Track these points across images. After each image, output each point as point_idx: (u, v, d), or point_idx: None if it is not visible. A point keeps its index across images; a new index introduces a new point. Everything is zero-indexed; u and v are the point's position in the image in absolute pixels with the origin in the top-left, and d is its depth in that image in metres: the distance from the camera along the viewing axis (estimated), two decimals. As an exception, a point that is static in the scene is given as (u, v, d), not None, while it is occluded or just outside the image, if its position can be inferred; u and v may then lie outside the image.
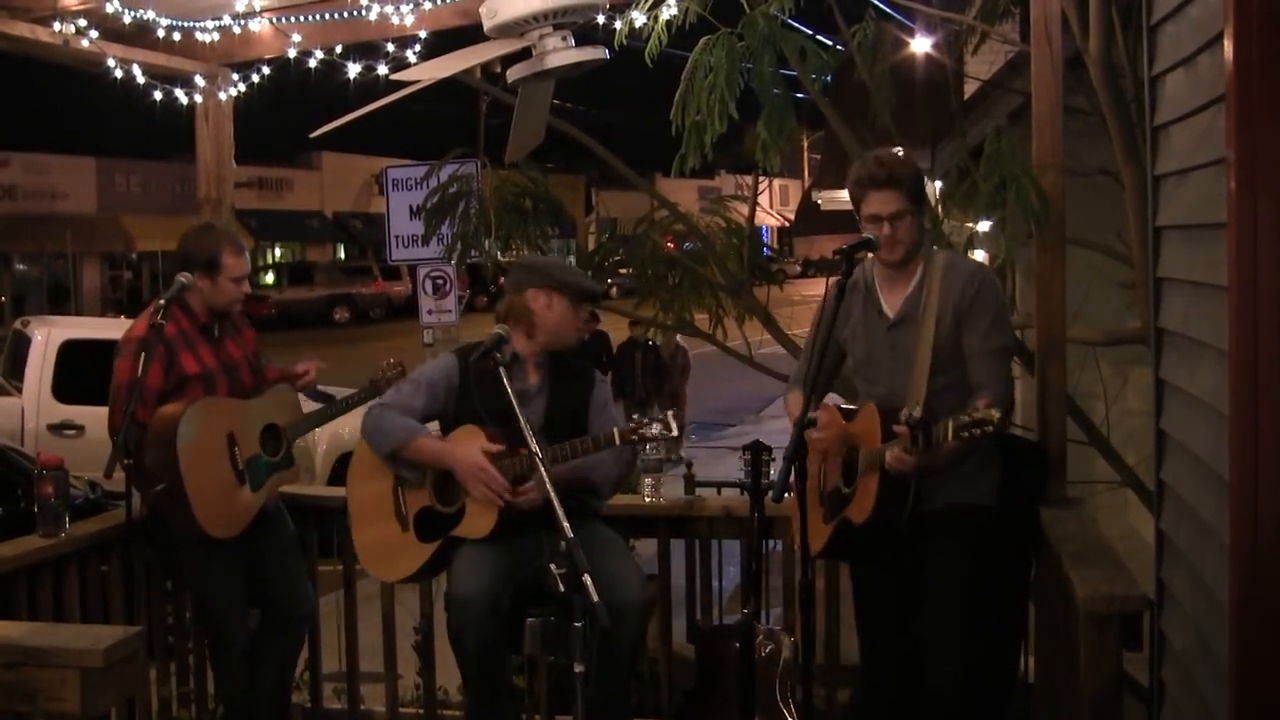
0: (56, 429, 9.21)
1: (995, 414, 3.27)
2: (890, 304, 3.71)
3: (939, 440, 3.34)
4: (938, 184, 6.57)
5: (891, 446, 3.42)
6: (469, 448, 3.86)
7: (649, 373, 13.37)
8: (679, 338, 12.62)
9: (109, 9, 4.70)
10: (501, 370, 3.59)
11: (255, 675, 4.38)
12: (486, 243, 5.48)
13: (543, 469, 3.35)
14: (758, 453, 3.81)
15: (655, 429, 3.80)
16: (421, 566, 4.04)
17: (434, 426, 4.08)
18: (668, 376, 13.77)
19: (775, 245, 52.29)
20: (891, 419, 3.52)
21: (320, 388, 4.81)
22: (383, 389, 4.72)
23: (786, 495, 3.33)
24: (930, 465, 3.45)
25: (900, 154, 3.79)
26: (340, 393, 4.84)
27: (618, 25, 4.42)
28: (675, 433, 3.84)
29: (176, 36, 5.06)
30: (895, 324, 3.68)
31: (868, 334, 3.74)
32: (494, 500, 3.83)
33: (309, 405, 4.69)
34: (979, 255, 7.67)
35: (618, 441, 3.83)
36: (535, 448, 3.41)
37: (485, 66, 4.96)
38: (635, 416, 3.87)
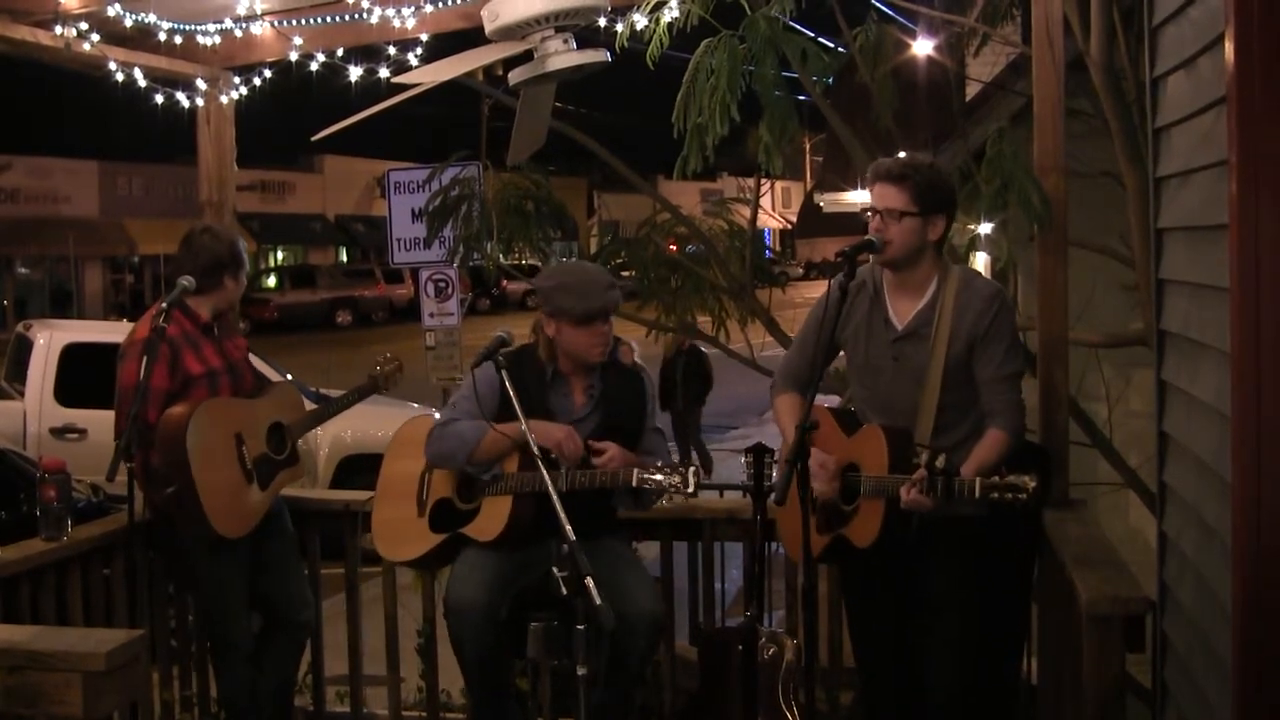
0: (59, 433, 9.22)
1: (1031, 483, 3.21)
2: (899, 314, 3.67)
3: (962, 495, 3.31)
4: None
5: (908, 486, 3.36)
6: (555, 429, 3.86)
7: (690, 380, 13.33)
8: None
9: (110, 12, 4.70)
10: (504, 374, 3.60)
11: (257, 678, 4.38)
12: (489, 245, 5.48)
13: (547, 476, 3.36)
14: (760, 455, 3.80)
15: (675, 480, 3.77)
16: (425, 554, 4.07)
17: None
18: (710, 384, 13.77)
19: (777, 247, 52.32)
20: (899, 446, 3.48)
21: (320, 390, 4.83)
22: (381, 384, 4.76)
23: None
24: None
25: (931, 160, 3.76)
26: (342, 396, 4.85)
27: (619, 28, 4.42)
28: (692, 491, 3.77)
29: (178, 40, 5.06)
30: (902, 337, 3.64)
31: (870, 340, 3.70)
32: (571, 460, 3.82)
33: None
34: (981, 257, 7.67)
35: (634, 483, 3.80)
36: (536, 450, 3.44)
37: (487, 69, 4.97)
38: (659, 464, 3.83)
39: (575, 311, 3.89)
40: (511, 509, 3.89)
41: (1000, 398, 3.57)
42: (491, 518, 3.92)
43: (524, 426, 3.50)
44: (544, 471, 3.38)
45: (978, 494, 3.28)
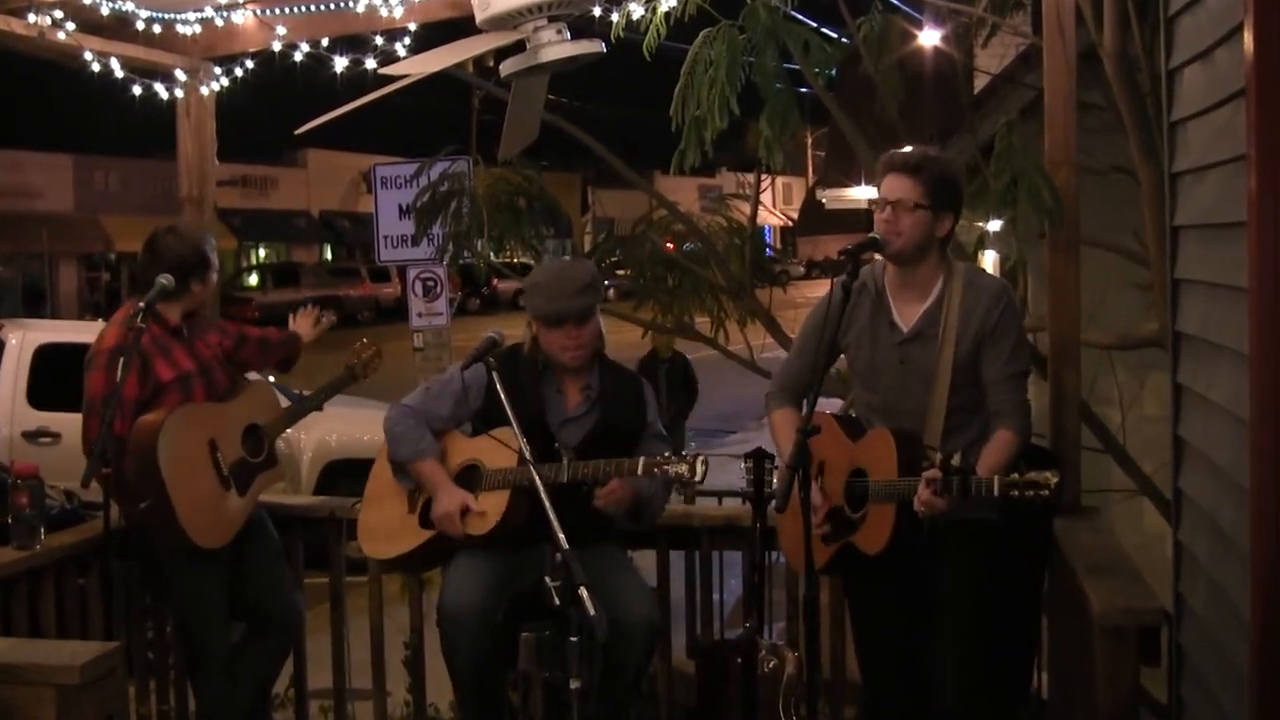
0: (31, 437, 9.19)
1: (1053, 479, 3.20)
2: (904, 316, 3.67)
3: (980, 494, 3.29)
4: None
5: (922, 489, 3.34)
6: (454, 495, 3.93)
7: (675, 391, 12.97)
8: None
9: (86, 0, 4.70)
10: (494, 375, 3.62)
11: (237, 688, 4.37)
12: (479, 243, 5.49)
13: (539, 480, 3.37)
14: (760, 460, 3.80)
15: (682, 469, 3.76)
16: (412, 550, 4.06)
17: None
18: (696, 396, 13.44)
19: (778, 245, 52.33)
20: (908, 449, 3.48)
21: (303, 392, 4.82)
22: (359, 373, 4.76)
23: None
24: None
25: (945, 156, 3.76)
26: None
27: (614, 17, 4.42)
28: (700, 479, 3.77)
29: (157, 29, 5.05)
30: (909, 339, 3.64)
31: (874, 343, 3.70)
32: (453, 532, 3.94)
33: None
34: (989, 256, 7.67)
35: (639, 472, 3.81)
36: (528, 454, 3.45)
37: (477, 60, 4.96)
38: (666, 453, 3.83)
39: (541, 313, 3.97)
40: (508, 504, 3.89)
41: (1007, 398, 3.57)
42: (486, 512, 3.92)
43: (515, 430, 3.52)
44: (534, 473, 3.40)
45: (996, 492, 3.26)
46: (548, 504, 3.29)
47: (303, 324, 4.88)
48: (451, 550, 4.04)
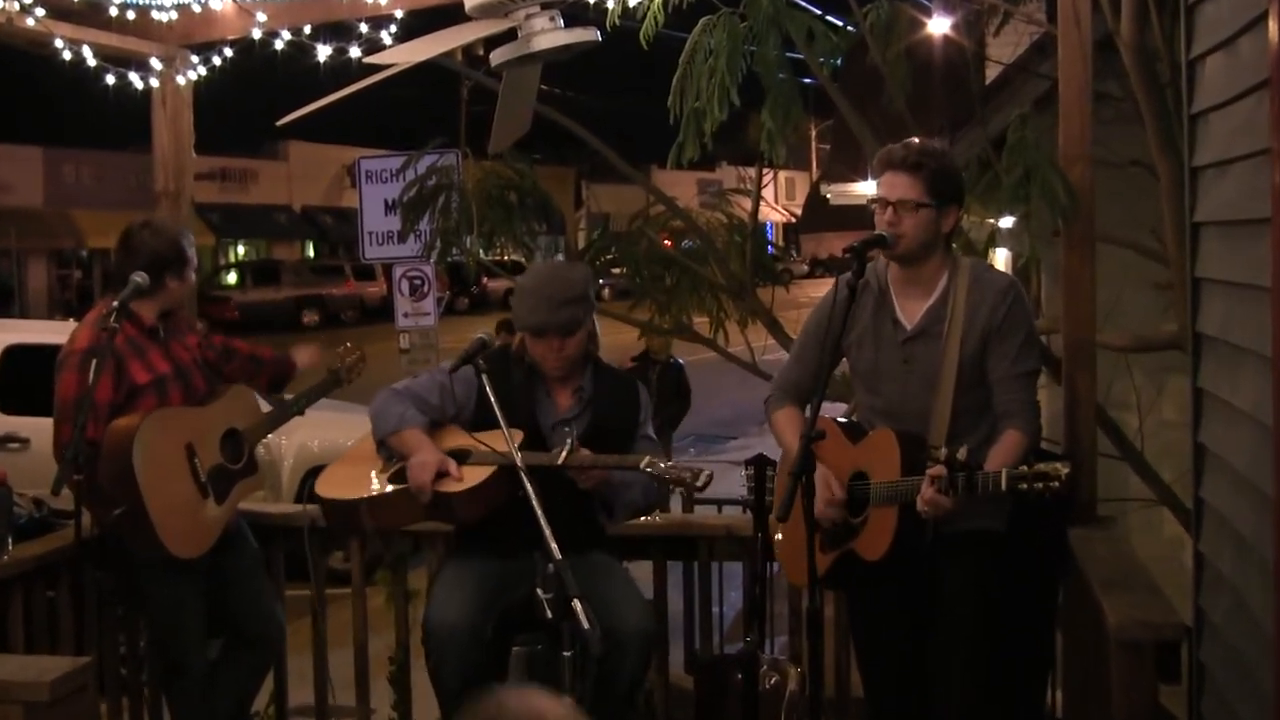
0: (-1, 442, 9.19)
1: (1063, 470, 3.19)
2: (907, 314, 3.67)
3: (986, 489, 3.28)
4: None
5: (926, 487, 3.34)
6: (435, 454, 3.89)
7: (666, 399, 12.77)
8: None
9: (57, -15, 4.70)
10: (483, 377, 3.62)
11: (214, 704, 4.36)
12: (468, 240, 5.48)
13: (528, 482, 3.37)
14: (761, 467, 3.79)
15: (686, 475, 3.75)
16: (367, 496, 4.02)
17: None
18: (688, 406, 13.24)
19: (780, 243, 52.41)
20: (912, 449, 3.48)
21: (285, 397, 4.82)
22: (342, 378, 4.76)
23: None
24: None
25: (942, 147, 3.76)
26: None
27: (610, 4, 4.42)
28: (700, 486, 3.76)
29: (131, 15, 5.05)
30: (912, 337, 3.64)
31: (877, 343, 3.70)
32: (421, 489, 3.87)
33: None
34: (1001, 254, 7.67)
35: (641, 466, 3.80)
36: (516, 454, 3.45)
37: (467, 49, 4.97)
38: (668, 463, 3.83)
39: (523, 324, 3.98)
40: (490, 475, 3.87)
41: (1015, 397, 3.57)
42: (466, 477, 3.92)
43: (505, 433, 3.52)
44: (528, 483, 3.40)
45: (1004, 486, 3.25)
46: (542, 518, 3.28)
47: (304, 355, 4.85)
48: (410, 518, 4.03)
